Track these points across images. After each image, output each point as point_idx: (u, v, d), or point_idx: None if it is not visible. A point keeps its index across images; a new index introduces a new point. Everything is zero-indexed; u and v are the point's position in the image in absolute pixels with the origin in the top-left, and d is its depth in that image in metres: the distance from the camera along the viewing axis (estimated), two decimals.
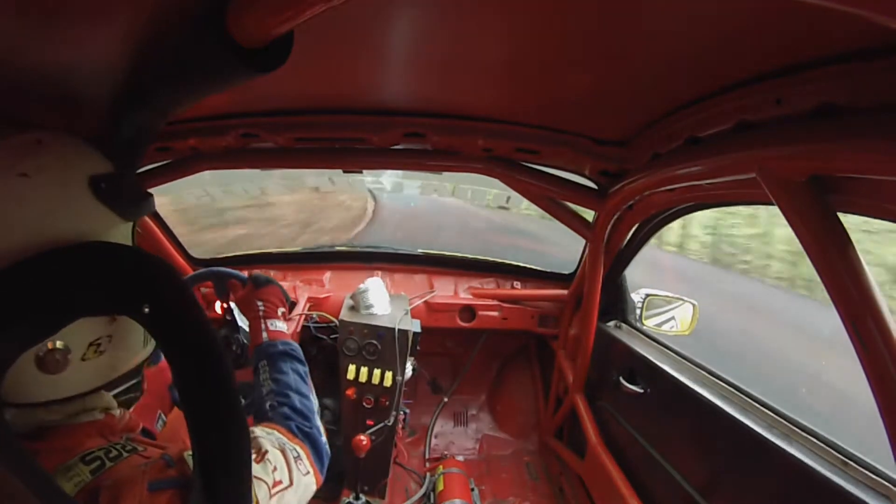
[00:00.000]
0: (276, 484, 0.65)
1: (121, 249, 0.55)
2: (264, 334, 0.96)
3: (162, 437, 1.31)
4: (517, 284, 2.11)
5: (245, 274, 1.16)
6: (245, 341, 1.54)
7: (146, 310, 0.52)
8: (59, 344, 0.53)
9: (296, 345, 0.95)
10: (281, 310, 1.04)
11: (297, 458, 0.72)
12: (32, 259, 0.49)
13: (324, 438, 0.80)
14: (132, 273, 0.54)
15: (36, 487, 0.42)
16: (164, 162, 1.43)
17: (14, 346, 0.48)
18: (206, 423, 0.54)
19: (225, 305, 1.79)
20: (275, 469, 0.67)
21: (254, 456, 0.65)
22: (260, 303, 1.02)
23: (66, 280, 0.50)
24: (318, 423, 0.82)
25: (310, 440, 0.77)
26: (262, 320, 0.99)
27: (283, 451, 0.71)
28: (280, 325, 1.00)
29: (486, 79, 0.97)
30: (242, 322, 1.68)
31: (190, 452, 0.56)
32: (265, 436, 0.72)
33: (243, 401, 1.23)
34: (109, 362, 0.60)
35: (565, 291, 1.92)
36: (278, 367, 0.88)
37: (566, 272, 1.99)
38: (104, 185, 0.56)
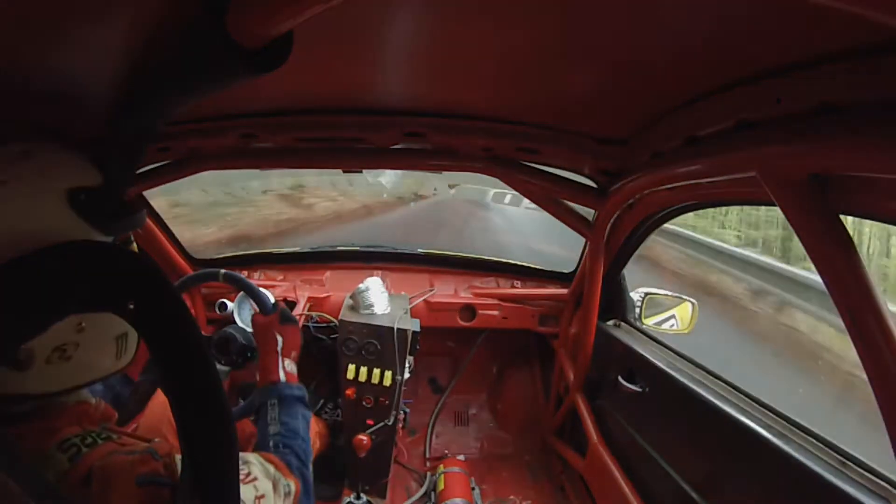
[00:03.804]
0: None
1: (106, 247, 0.56)
2: (281, 374, 0.98)
3: (143, 428, 1.32)
4: (517, 283, 2.11)
5: (272, 301, 1.16)
6: (242, 341, 1.54)
7: (131, 306, 0.53)
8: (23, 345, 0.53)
9: (305, 390, 0.98)
10: (294, 352, 1.06)
11: (288, 493, 0.75)
12: (20, 258, 0.49)
13: (312, 485, 0.84)
14: (118, 270, 0.54)
15: (22, 479, 0.43)
16: (164, 162, 1.43)
17: (3, 344, 0.48)
18: (191, 419, 0.55)
19: (226, 305, 1.80)
20: (262, 497, 0.69)
21: (242, 476, 0.67)
22: (280, 338, 1.04)
23: (55, 277, 0.51)
24: (311, 471, 0.86)
25: (304, 480, 0.81)
26: (280, 357, 1.01)
27: (274, 484, 0.73)
28: (293, 368, 1.02)
29: (486, 78, 0.97)
30: (242, 323, 1.68)
31: (181, 456, 0.56)
32: (259, 464, 0.74)
33: (242, 401, 1.24)
34: (77, 368, 0.60)
35: (565, 290, 1.92)
36: (290, 411, 0.91)
37: (566, 271, 1.99)
38: (84, 198, 0.57)
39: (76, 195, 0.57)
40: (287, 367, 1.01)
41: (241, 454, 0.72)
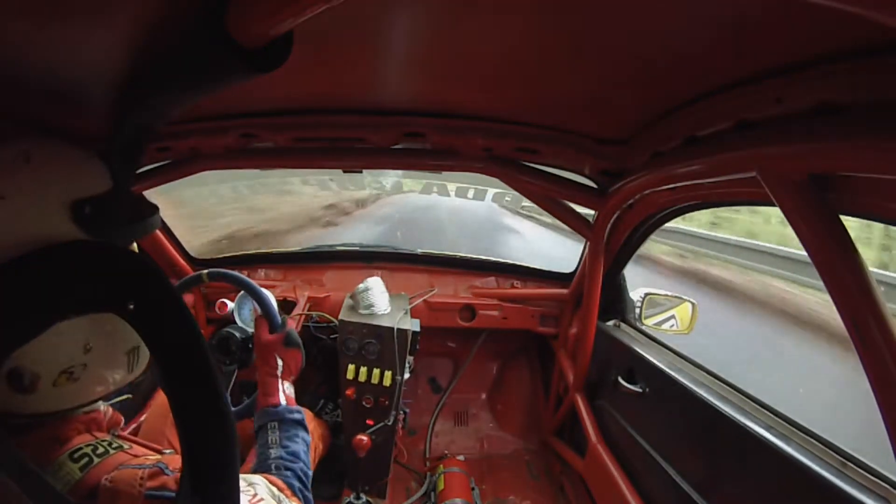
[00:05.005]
0: None
1: (105, 248, 0.55)
2: (281, 397, 0.99)
3: (145, 432, 1.33)
4: (517, 283, 2.11)
5: (280, 318, 1.15)
6: (241, 337, 1.55)
7: (130, 307, 0.53)
8: (28, 369, 0.52)
9: (304, 414, 0.99)
10: (293, 376, 1.07)
11: None
12: (20, 257, 0.49)
13: None
14: (118, 270, 0.54)
15: (31, 489, 0.43)
16: (164, 162, 1.43)
17: (4, 344, 0.48)
18: (192, 420, 0.54)
19: (226, 305, 1.80)
20: None
21: (249, 497, 0.67)
22: (280, 361, 1.05)
23: (52, 279, 0.50)
24: (311, 493, 0.87)
25: (305, 501, 0.82)
26: (280, 380, 1.02)
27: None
28: (291, 391, 1.03)
29: (486, 78, 0.97)
30: (242, 322, 1.68)
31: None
32: (264, 486, 0.75)
33: (245, 399, 1.24)
34: (85, 387, 0.59)
35: (565, 291, 1.92)
36: (290, 434, 0.92)
37: (566, 271, 1.99)
38: (89, 210, 0.55)
39: (80, 208, 0.54)
40: (287, 391, 1.02)
41: (247, 476, 0.73)
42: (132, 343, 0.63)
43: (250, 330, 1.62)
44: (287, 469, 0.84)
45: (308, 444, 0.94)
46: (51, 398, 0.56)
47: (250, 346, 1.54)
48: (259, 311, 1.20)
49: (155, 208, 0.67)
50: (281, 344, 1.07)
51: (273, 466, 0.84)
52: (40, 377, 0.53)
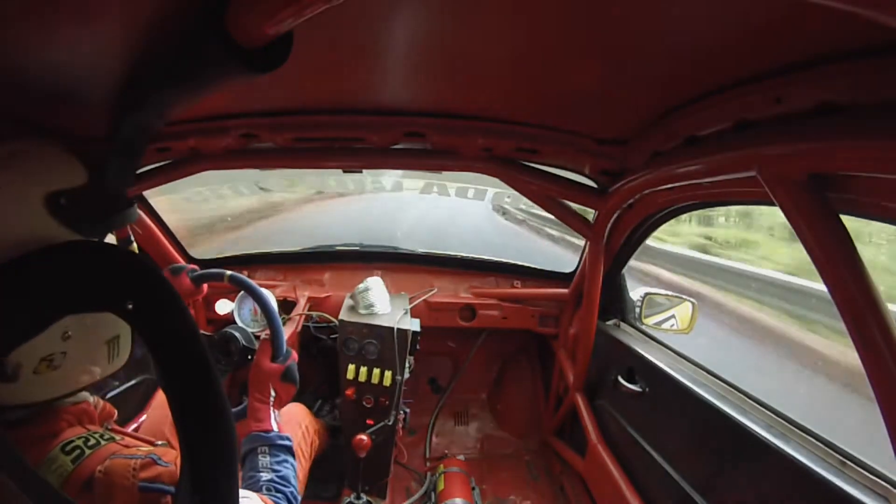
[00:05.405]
0: None
1: (104, 248, 0.56)
2: (273, 423, 1.03)
3: (145, 431, 1.33)
4: (517, 283, 2.11)
5: (286, 347, 1.15)
6: (244, 342, 1.54)
7: (129, 307, 0.53)
8: (10, 358, 0.53)
9: (292, 441, 1.04)
10: (282, 406, 1.11)
11: None
12: (21, 258, 0.50)
13: None
14: (116, 271, 0.54)
15: (24, 483, 0.43)
16: (164, 162, 1.43)
17: (2, 346, 0.48)
18: (191, 419, 0.55)
19: (226, 304, 1.80)
20: None
21: None
22: (273, 392, 1.08)
23: (52, 278, 0.51)
24: None
25: None
26: (272, 409, 1.06)
27: None
28: (280, 420, 1.07)
29: (486, 78, 0.97)
30: (242, 322, 1.68)
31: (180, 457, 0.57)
32: (257, 501, 0.77)
33: (246, 399, 1.24)
34: (66, 376, 0.60)
35: (565, 290, 1.92)
36: (280, 459, 0.95)
37: (566, 271, 1.99)
38: (64, 202, 0.57)
39: (55, 199, 0.56)
40: (277, 419, 1.05)
41: (241, 491, 0.74)
42: (112, 333, 0.64)
43: (250, 329, 1.62)
44: (278, 492, 0.86)
45: (295, 466, 0.97)
46: (34, 387, 0.56)
47: (249, 357, 1.53)
48: (267, 332, 1.18)
49: (131, 201, 0.67)
50: (278, 376, 1.09)
51: (264, 488, 0.86)
52: (21, 364, 0.54)
